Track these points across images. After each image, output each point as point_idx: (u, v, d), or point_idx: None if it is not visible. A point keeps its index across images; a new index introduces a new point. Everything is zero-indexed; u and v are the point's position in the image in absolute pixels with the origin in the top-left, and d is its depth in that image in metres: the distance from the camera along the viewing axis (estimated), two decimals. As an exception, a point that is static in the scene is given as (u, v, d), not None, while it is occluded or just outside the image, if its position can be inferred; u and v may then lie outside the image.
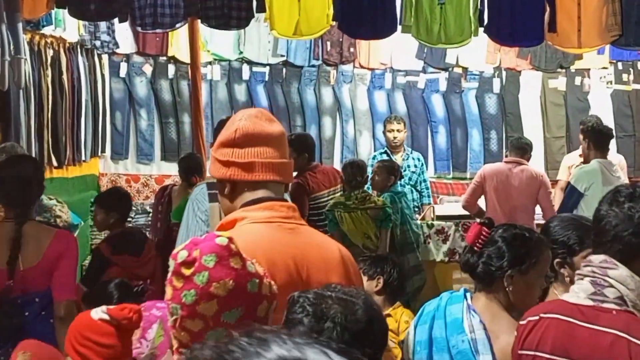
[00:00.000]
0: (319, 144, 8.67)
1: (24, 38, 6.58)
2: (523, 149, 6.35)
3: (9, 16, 5.36)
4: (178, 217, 5.86)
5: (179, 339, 1.68)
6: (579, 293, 2.09)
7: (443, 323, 2.57)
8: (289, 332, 0.89)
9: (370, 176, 6.16)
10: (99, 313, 2.42)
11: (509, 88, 8.97)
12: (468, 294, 2.61)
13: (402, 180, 6.54)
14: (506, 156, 6.51)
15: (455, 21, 6.10)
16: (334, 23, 6.16)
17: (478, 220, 2.64)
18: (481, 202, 6.43)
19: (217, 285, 1.62)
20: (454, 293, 2.67)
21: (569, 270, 2.73)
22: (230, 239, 1.72)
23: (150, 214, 7.34)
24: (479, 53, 8.60)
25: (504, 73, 8.97)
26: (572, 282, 2.75)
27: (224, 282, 1.62)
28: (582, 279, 2.12)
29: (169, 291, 1.68)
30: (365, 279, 2.64)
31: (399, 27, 6.15)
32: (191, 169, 6.21)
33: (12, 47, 5.43)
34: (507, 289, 2.52)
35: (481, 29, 6.08)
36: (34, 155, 6.88)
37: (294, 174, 6.25)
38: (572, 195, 5.92)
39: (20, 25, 5.68)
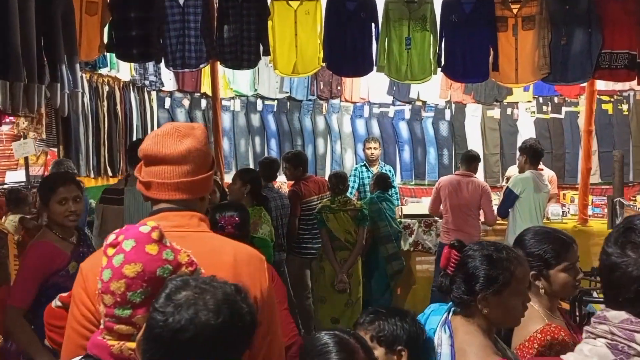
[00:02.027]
0: (314, 159, 8.03)
1: (83, 76, 5.91)
2: (470, 159, 5.60)
3: (68, 58, 4.66)
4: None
5: (100, 310, 1.41)
6: (592, 358, 1.16)
7: None
8: None
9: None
10: (55, 302, 1.83)
11: (457, 116, 8.24)
12: (453, 309, 1.83)
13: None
14: (458, 169, 5.78)
15: (419, 63, 5.38)
16: (324, 64, 5.47)
17: (450, 243, 1.81)
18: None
19: (127, 267, 1.35)
20: (443, 305, 1.87)
21: (545, 283, 1.99)
22: (154, 228, 1.39)
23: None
24: (434, 90, 7.91)
25: (453, 105, 8.22)
26: (547, 293, 1.99)
27: (133, 264, 1.35)
28: (594, 338, 1.18)
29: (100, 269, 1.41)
30: (381, 351, 1.76)
31: (375, 68, 5.45)
32: None
33: (71, 82, 4.74)
34: (482, 311, 1.72)
35: (439, 69, 5.41)
36: (91, 167, 6.21)
37: (292, 182, 5.76)
38: (510, 196, 5.26)
39: (77, 66, 4.95)
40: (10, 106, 3.98)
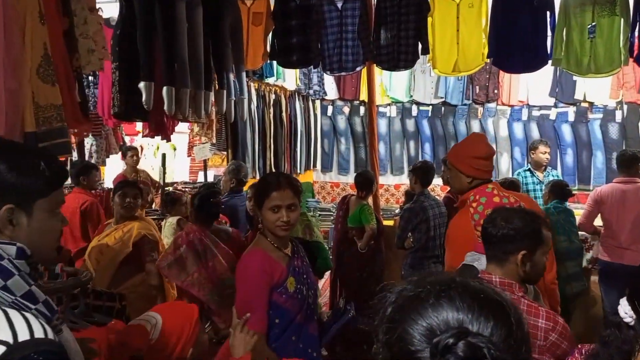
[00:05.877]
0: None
1: (250, 84, 5.16)
2: (632, 160, 3.81)
3: (236, 67, 3.87)
4: (353, 222, 4.05)
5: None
6: None
7: None
8: None
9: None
10: None
11: (630, 118, 6.10)
12: None
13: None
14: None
15: (605, 53, 3.67)
16: (488, 60, 4.04)
17: None
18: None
19: (487, 211, 1.86)
20: None
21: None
22: (494, 188, 2.25)
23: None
24: (603, 90, 5.91)
25: (625, 106, 6.08)
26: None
27: (489, 210, 1.81)
28: None
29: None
30: None
31: (550, 61, 3.87)
32: (361, 185, 4.18)
33: (237, 89, 3.96)
34: None
35: (631, 60, 3.68)
36: (257, 168, 5.45)
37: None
38: None
39: (244, 74, 4.14)
40: (178, 111, 3.31)
